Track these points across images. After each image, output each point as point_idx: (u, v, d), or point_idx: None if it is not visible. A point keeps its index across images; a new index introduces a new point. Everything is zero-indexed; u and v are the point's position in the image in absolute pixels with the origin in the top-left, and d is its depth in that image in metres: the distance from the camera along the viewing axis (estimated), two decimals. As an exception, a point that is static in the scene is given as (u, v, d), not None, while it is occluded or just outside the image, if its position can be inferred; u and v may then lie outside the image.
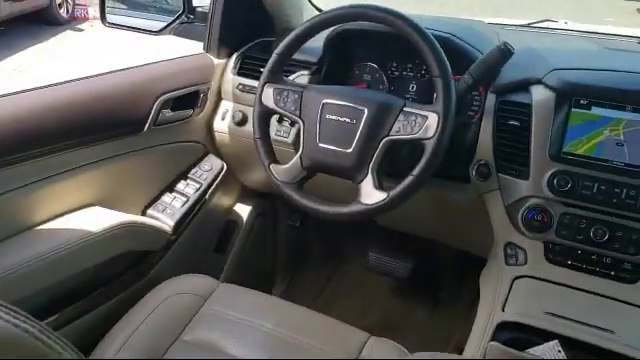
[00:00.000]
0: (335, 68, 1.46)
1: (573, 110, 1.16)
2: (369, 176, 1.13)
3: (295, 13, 1.65)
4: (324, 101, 1.18)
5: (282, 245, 2.03)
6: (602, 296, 1.14)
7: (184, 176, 1.57)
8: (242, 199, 1.79)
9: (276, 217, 1.97)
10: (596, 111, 1.15)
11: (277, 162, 1.24)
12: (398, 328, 1.90)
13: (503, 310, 1.12)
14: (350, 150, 1.15)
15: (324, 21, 1.21)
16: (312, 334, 1.09)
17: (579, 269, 1.17)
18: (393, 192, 1.10)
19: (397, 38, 1.15)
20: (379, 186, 1.13)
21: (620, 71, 1.18)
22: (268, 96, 1.24)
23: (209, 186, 1.59)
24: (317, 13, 1.37)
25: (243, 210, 1.79)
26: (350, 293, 2.05)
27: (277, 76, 1.25)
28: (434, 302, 1.97)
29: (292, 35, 1.23)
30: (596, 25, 1.64)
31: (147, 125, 1.39)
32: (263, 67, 1.26)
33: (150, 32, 1.66)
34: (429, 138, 1.08)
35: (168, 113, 1.45)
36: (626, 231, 1.12)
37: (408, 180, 1.10)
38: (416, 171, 1.09)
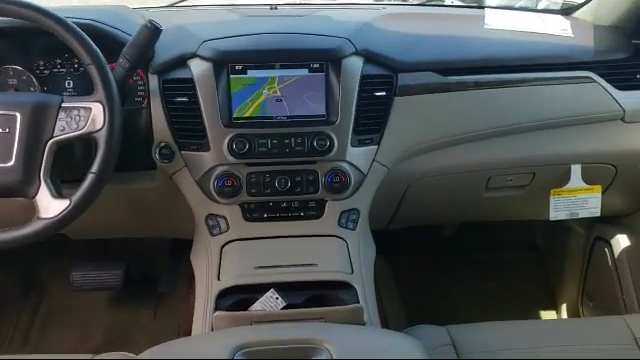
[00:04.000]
0: (-33, 78, 1.25)
1: (232, 77, 1.23)
2: (43, 187, 1.01)
3: None
4: None
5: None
6: (300, 236, 1.25)
7: None
8: None
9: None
10: (252, 74, 1.23)
11: None
12: (126, 337, 1.80)
13: (219, 279, 1.15)
14: (11, 163, 1.01)
15: None
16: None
17: (275, 219, 1.27)
18: (75, 197, 1.01)
19: (38, 33, 1.05)
20: (58, 195, 1.02)
21: (262, 34, 1.28)
22: None
23: None
24: None
25: None
26: (64, 322, 1.85)
27: None
28: (156, 297, 1.92)
29: None
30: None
31: None
32: None
33: None
34: (99, 130, 1.02)
35: None
36: (303, 175, 1.25)
37: (89, 179, 1.02)
38: (95, 168, 1.02)
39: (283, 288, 1.13)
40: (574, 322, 1.38)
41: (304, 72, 1.24)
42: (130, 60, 1.13)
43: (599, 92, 1.35)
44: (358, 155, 1.27)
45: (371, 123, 1.28)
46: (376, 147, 1.29)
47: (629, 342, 1.16)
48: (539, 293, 2.00)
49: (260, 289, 1.12)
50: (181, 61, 1.23)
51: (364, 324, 1.05)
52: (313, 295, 1.13)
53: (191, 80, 1.22)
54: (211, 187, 1.24)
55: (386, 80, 1.28)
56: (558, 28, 1.41)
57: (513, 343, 1.15)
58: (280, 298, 1.10)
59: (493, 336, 1.19)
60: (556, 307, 1.96)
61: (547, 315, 1.95)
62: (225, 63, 1.22)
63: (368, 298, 1.13)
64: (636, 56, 1.40)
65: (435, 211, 1.59)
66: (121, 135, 1.05)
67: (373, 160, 1.29)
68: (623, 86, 1.36)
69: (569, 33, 1.41)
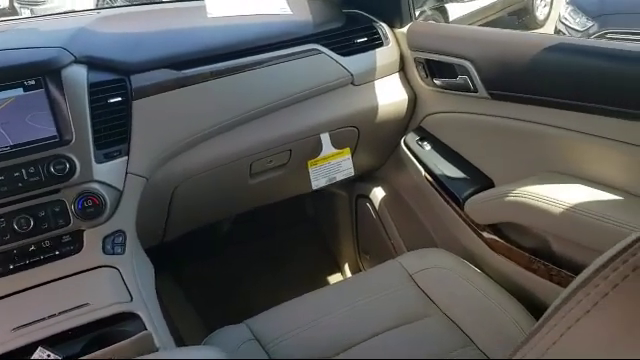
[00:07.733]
0: None
1: None
2: None
3: None
4: None
5: None
6: (62, 278, 1.09)
7: None
8: None
9: None
10: None
11: None
12: None
13: None
14: None
15: None
16: None
17: (25, 267, 1.08)
18: None
19: None
20: None
21: None
22: None
23: None
24: None
25: None
26: None
27: None
28: None
29: None
30: None
31: None
32: None
33: None
34: None
35: None
36: (47, 208, 1.09)
37: None
38: None
39: (55, 342, 0.97)
40: (357, 278, 1.46)
41: (19, 92, 1.08)
42: None
43: (327, 61, 1.43)
44: (107, 171, 1.15)
45: (113, 134, 1.17)
46: (126, 158, 1.18)
47: (406, 280, 1.27)
48: (322, 261, 2.10)
49: (26, 352, 0.95)
50: None
51: (157, 350, 0.95)
52: (94, 337, 1.00)
53: None
54: None
55: (118, 85, 1.18)
56: (277, 7, 1.46)
57: (310, 316, 1.18)
58: (53, 354, 0.94)
59: (291, 316, 1.19)
60: (340, 269, 2.08)
61: (334, 278, 2.07)
62: None
63: (156, 321, 1.03)
64: (349, 23, 1.53)
65: (207, 210, 1.54)
66: None
67: (126, 173, 1.18)
68: (346, 52, 1.46)
69: (288, 11, 1.47)
